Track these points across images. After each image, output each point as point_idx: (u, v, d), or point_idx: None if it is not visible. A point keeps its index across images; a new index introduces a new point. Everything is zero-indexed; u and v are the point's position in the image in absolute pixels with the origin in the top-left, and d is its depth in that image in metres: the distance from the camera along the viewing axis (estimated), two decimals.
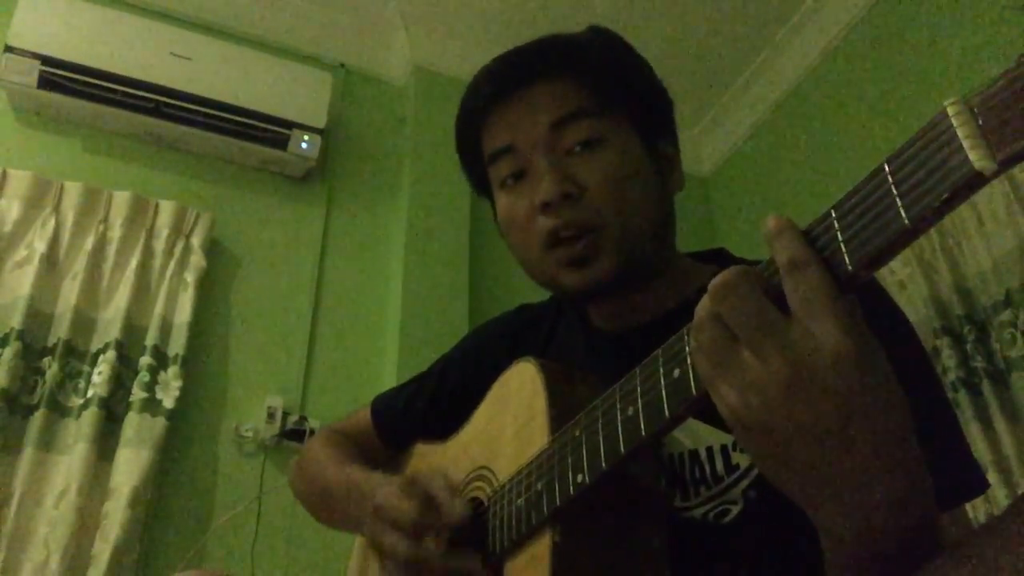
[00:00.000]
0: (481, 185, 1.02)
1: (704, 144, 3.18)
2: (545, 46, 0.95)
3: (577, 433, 0.71)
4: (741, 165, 3.12)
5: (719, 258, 0.97)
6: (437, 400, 1.11)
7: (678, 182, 0.96)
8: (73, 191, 2.20)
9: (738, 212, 3.06)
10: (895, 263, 2.17)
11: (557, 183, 0.86)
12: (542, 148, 0.89)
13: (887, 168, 0.46)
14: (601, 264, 0.87)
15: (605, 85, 0.92)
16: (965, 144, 0.42)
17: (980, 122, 0.42)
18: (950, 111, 0.43)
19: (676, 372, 0.59)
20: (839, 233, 0.49)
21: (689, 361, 0.57)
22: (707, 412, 0.80)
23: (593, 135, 0.89)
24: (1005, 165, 0.41)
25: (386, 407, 1.17)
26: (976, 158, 0.42)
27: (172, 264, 2.23)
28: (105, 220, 2.22)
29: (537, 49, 0.95)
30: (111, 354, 2.04)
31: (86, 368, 2.05)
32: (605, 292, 0.90)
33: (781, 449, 0.50)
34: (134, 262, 2.19)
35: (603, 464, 0.66)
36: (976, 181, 0.42)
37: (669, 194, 0.94)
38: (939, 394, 0.80)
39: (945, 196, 0.43)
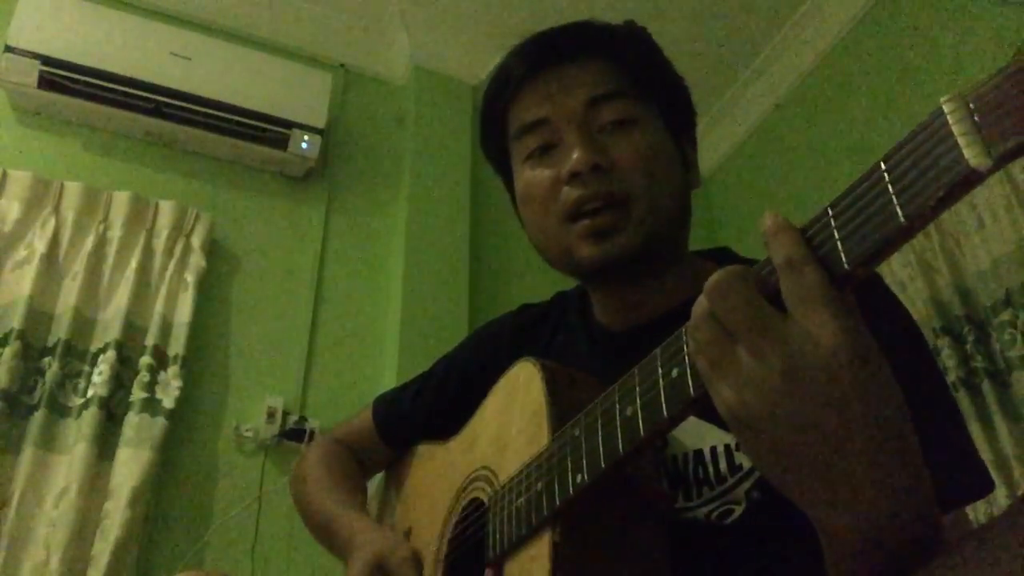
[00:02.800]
0: (500, 163, 1.02)
1: (704, 144, 3.17)
2: (582, 28, 0.96)
3: (577, 433, 0.71)
4: (741, 165, 3.11)
5: (723, 257, 0.97)
6: (439, 401, 1.11)
7: (696, 180, 0.98)
8: (73, 191, 2.20)
9: (738, 212, 3.06)
10: (895, 263, 2.17)
11: (589, 153, 0.87)
12: (576, 122, 0.90)
13: (883, 166, 0.46)
14: (624, 238, 0.87)
15: (640, 73, 0.93)
16: (960, 141, 0.42)
17: (976, 119, 0.41)
18: (946, 108, 0.43)
19: (675, 372, 0.59)
20: (836, 231, 0.48)
21: (687, 361, 0.57)
22: (708, 412, 0.80)
23: (627, 115, 0.90)
24: (1001, 162, 0.41)
25: (387, 408, 1.17)
26: (971, 155, 0.41)
27: (172, 264, 2.23)
28: (105, 220, 2.22)
29: (574, 30, 0.96)
30: (111, 354, 2.04)
31: (86, 368, 2.05)
32: (621, 269, 0.89)
33: (779, 447, 0.50)
34: (134, 262, 2.18)
35: (602, 464, 0.66)
36: (972, 178, 0.42)
37: (689, 188, 0.96)
38: (942, 394, 0.79)
39: (941, 194, 0.43)
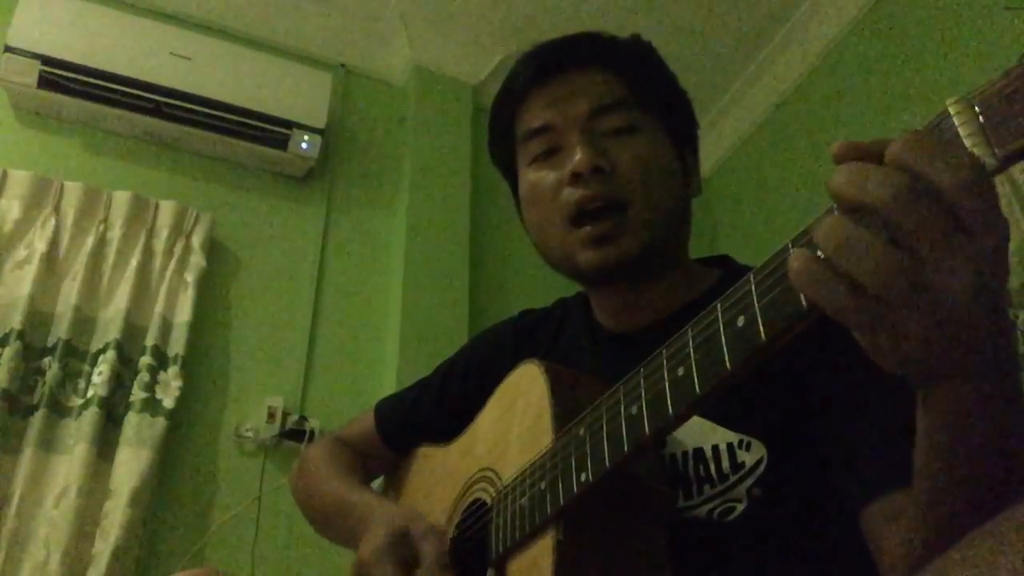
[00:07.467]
0: (507, 168, 1.04)
1: (704, 144, 3.16)
2: (590, 39, 0.99)
3: (581, 432, 0.71)
4: (741, 165, 3.11)
5: (724, 265, 0.99)
6: (441, 404, 1.12)
7: (696, 187, 1.01)
8: (73, 191, 2.20)
9: (738, 212, 3.05)
10: None
11: (590, 155, 0.89)
12: (579, 127, 0.92)
13: None
14: (625, 243, 0.89)
15: (643, 84, 0.96)
16: (967, 142, 0.42)
17: (982, 120, 0.42)
18: (952, 110, 0.43)
19: (680, 371, 0.59)
20: None
21: (693, 359, 0.57)
22: (711, 410, 0.81)
23: (628, 124, 0.93)
24: (1007, 162, 0.41)
25: (389, 411, 1.18)
26: (978, 155, 0.42)
27: (172, 264, 2.23)
28: (105, 220, 2.22)
29: (581, 40, 0.99)
30: (111, 354, 2.04)
31: (86, 368, 2.05)
32: (622, 274, 0.91)
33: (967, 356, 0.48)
34: (134, 262, 2.18)
35: (607, 463, 0.66)
36: None
37: (689, 195, 0.98)
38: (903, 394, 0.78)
39: None
